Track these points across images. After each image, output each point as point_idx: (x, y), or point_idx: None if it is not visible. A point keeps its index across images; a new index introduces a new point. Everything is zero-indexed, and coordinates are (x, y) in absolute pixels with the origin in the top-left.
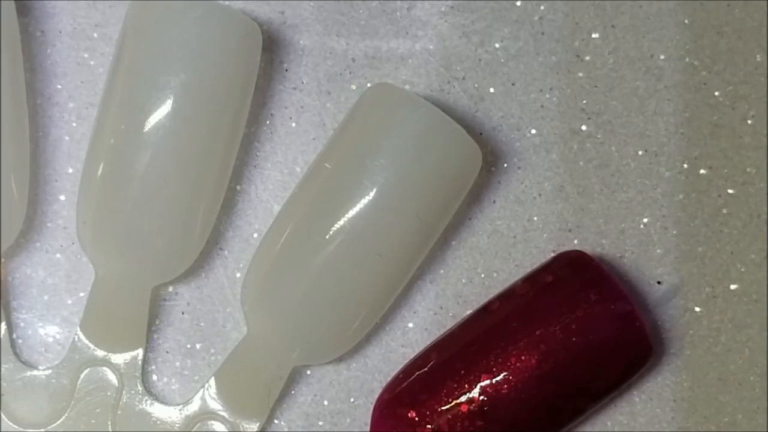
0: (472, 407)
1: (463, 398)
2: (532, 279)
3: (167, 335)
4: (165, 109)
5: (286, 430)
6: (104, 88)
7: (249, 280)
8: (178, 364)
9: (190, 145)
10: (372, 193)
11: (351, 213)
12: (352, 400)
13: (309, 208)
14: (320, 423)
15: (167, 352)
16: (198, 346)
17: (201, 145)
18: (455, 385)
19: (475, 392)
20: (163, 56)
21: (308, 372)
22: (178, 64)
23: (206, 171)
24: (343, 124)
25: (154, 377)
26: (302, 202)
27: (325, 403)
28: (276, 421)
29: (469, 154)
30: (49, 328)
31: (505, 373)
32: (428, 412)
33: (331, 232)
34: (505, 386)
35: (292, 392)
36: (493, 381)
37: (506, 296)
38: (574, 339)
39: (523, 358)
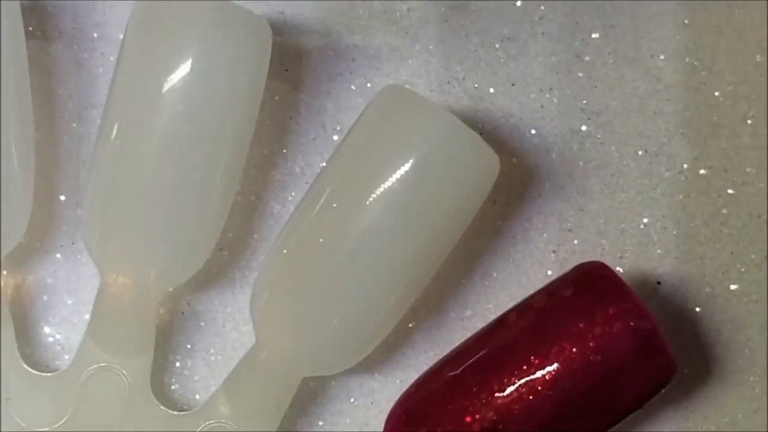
0: (484, 426)
1: (475, 416)
2: (549, 291)
3: (168, 336)
4: (172, 111)
5: (285, 429)
6: (109, 90)
7: (258, 291)
8: (178, 364)
9: (198, 149)
10: (386, 202)
11: (363, 222)
12: (351, 400)
13: (319, 217)
14: (320, 423)
15: (169, 352)
16: (198, 346)
17: (209, 150)
18: (467, 403)
19: (487, 410)
20: (169, 57)
21: None
22: (186, 65)
23: (214, 175)
24: (356, 128)
25: (154, 377)
26: (312, 210)
27: (326, 404)
28: None
29: (486, 161)
30: (49, 329)
31: (519, 392)
32: (439, 430)
33: (342, 243)
34: (519, 405)
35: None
36: (507, 399)
37: (523, 309)
38: (591, 357)
39: (537, 376)
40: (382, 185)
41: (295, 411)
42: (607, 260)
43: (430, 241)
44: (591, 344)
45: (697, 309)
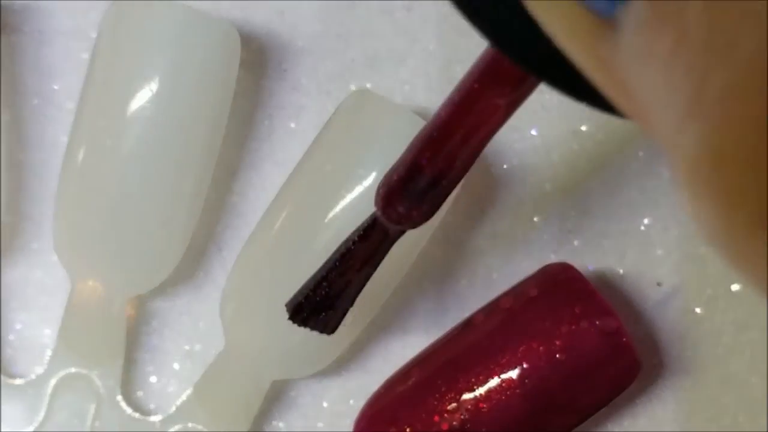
0: (453, 425)
1: (444, 416)
2: (516, 292)
3: (166, 337)
4: (139, 118)
5: (285, 431)
6: (79, 98)
7: (226, 295)
8: (177, 365)
9: (166, 156)
10: (353, 206)
11: (331, 225)
12: (351, 401)
13: (286, 220)
14: (320, 424)
15: (166, 353)
16: (197, 347)
17: (177, 157)
18: (436, 403)
19: (456, 410)
20: (136, 65)
21: None
22: (153, 73)
23: (183, 182)
24: (323, 133)
25: (153, 379)
26: (279, 215)
27: (325, 404)
28: (275, 422)
29: None
30: (47, 330)
31: (486, 391)
32: (408, 430)
33: (309, 246)
34: (487, 404)
35: (292, 393)
36: (475, 399)
37: (490, 310)
38: (558, 356)
39: (505, 375)
40: (347, 190)
41: (294, 413)
42: (608, 261)
43: (399, 247)
44: (557, 342)
45: (698, 310)
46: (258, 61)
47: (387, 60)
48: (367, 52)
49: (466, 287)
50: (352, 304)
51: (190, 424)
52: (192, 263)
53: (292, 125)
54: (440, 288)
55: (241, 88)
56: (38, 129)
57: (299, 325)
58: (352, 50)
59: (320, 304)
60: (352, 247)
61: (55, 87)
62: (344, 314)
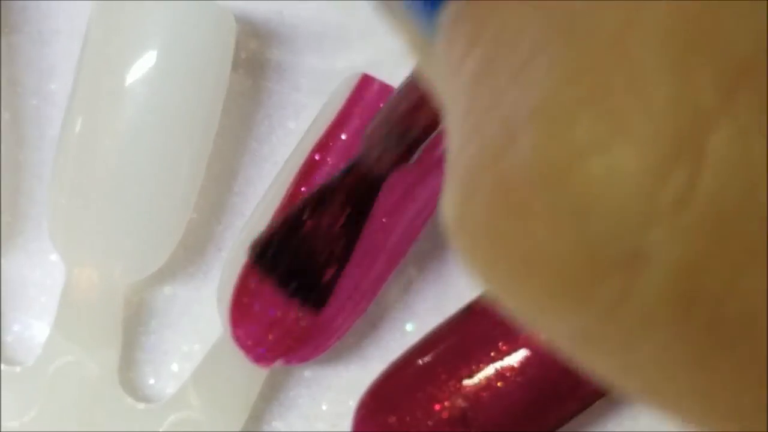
0: (453, 413)
1: (444, 404)
2: None
3: (165, 337)
4: (134, 103)
5: (282, 430)
6: (72, 85)
7: (224, 283)
8: (176, 366)
9: (162, 142)
10: None
11: None
12: (350, 402)
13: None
14: (319, 425)
15: (165, 354)
16: (196, 347)
17: (173, 142)
18: (436, 391)
19: (456, 398)
20: (130, 48)
21: (306, 374)
22: (147, 56)
23: (178, 168)
24: (319, 115)
25: (151, 380)
26: (274, 204)
27: (324, 406)
28: (274, 423)
29: None
30: (46, 329)
31: (487, 379)
32: (408, 418)
33: None
34: (488, 392)
35: (291, 394)
36: (476, 387)
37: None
38: None
39: (506, 363)
40: None
41: (294, 413)
42: None
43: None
44: None
45: None
46: (258, 61)
47: (387, 60)
48: (367, 52)
49: (465, 288)
50: (332, 264)
51: (187, 413)
52: (192, 263)
53: (292, 125)
54: (440, 289)
55: (241, 88)
56: (38, 129)
57: (267, 274)
58: (352, 50)
59: (289, 252)
60: (336, 183)
61: (54, 87)
62: (321, 276)
